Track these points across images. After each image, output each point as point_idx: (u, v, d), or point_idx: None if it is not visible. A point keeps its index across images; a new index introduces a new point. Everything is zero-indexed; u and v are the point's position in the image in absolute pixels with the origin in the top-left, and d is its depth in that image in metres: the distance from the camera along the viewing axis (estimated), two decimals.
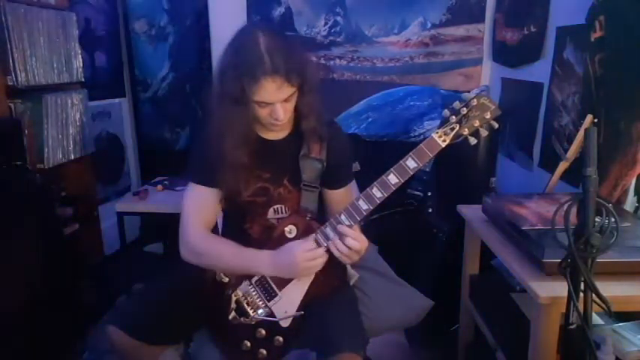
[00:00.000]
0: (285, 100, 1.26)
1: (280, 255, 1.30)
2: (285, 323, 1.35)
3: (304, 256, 1.26)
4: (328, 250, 1.27)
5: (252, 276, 1.37)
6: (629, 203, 1.57)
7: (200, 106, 3.24)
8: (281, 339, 1.34)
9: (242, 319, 1.35)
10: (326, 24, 3.11)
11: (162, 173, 2.91)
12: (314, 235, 1.29)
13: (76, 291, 2.22)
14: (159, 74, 3.34)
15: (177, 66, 3.31)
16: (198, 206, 1.42)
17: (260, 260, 1.32)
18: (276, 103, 1.25)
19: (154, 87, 3.37)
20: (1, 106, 1.98)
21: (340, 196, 1.43)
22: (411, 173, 1.20)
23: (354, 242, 1.23)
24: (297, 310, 1.34)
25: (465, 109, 1.18)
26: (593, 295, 0.97)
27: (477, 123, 1.19)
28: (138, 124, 3.44)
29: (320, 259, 1.28)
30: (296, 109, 1.33)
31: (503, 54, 2.76)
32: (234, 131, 1.30)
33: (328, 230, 1.27)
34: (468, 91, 1.64)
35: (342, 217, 1.25)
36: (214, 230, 1.57)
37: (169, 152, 3.42)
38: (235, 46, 1.27)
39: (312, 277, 1.34)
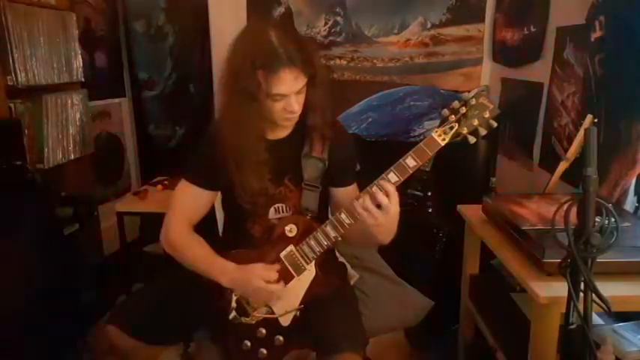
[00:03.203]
0: (298, 92, 1.27)
1: (240, 272, 1.31)
2: (285, 322, 1.35)
3: (260, 281, 1.28)
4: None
5: None
6: (629, 203, 1.57)
7: (201, 106, 3.24)
8: (281, 338, 1.34)
9: (242, 318, 1.35)
10: (326, 24, 3.11)
11: (162, 173, 2.91)
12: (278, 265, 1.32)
13: (76, 291, 2.22)
14: (159, 74, 3.34)
15: (177, 65, 3.30)
16: (187, 204, 1.43)
17: (223, 270, 1.33)
18: (290, 96, 1.25)
19: (153, 87, 3.36)
20: (1, 106, 1.98)
21: (347, 195, 1.42)
22: (411, 172, 1.21)
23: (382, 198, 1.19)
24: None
25: (463, 108, 1.19)
26: (593, 295, 0.97)
27: (475, 122, 1.19)
28: (139, 123, 3.44)
29: (274, 291, 1.30)
30: (303, 104, 1.33)
31: (504, 54, 2.76)
32: (250, 129, 1.30)
33: (328, 229, 1.27)
34: (468, 91, 1.63)
35: (343, 215, 1.25)
36: (214, 230, 1.57)
37: (170, 152, 3.42)
38: (246, 41, 1.27)
39: (313, 276, 1.34)
